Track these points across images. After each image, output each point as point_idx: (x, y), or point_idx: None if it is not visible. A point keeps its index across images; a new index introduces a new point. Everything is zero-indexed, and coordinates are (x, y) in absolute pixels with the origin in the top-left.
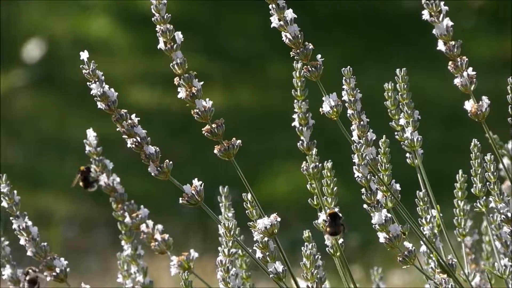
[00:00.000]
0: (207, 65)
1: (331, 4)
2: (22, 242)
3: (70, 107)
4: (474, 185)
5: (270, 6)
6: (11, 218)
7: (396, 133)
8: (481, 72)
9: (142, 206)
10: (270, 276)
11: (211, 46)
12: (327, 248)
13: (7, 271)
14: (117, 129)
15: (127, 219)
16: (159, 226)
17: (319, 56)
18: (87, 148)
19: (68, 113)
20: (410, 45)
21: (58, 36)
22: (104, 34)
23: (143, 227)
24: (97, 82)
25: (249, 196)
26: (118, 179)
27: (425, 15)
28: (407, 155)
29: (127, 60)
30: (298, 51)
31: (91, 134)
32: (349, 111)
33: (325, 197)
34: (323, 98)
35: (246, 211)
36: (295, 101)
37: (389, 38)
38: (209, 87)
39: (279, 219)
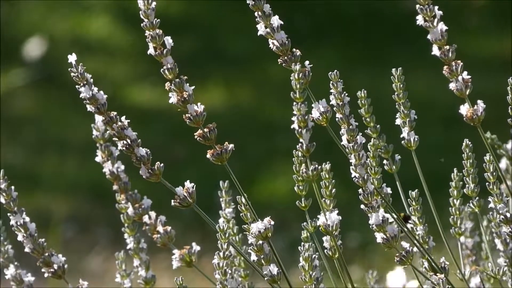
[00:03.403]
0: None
1: (330, 5)
2: (19, 238)
3: (70, 106)
4: (467, 185)
5: (256, 14)
6: (8, 214)
7: (372, 138)
8: (481, 72)
9: (145, 196)
10: (265, 279)
11: (211, 46)
12: (325, 250)
13: (10, 271)
14: (107, 132)
15: (130, 210)
16: (162, 218)
17: (307, 62)
18: (95, 132)
19: (68, 113)
20: (411, 45)
21: (58, 36)
22: (104, 34)
23: (145, 218)
24: (86, 85)
25: (243, 199)
26: (122, 167)
27: (419, 20)
28: (384, 162)
29: (127, 60)
30: (285, 58)
31: (99, 119)
32: (338, 115)
33: (323, 199)
34: (313, 105)
35: (241, 214)
36: (294, 103)
37: (389, 39)
38: (209, 87)
39: (272, 222)
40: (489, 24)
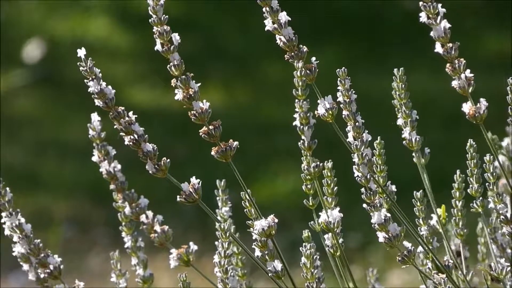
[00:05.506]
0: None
1: (331, 4)
2: (15, 239)
3: (70, 107)
4: (470, 185)
5: (264, 9)
6: (3, 214)
7: (402, 132)
8: (481, 72)
9: (142, 196)
10: (269, 275)
11: (211, 46)
12: (327, 248)
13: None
14: (115, 127)
15: (127, 209)
16: (159, 217)
17: (313, 58)
18: (91, 132)
19: (68, 113)
20: (411, 45)
21: (58, 37)
22: (104, 34)
23: (142, 217)
24: (95, 80)
25: (247, 195)
26: (119, 166)
27: (423, 17)
28: (413, 153)
29: (127, 61)
30: (292, 54)
31: (95, 118)
32: (344, 112)
33: (325, 197)
34: (318, 101)
35: (245, 210)
36: (296, 100)
37: (390, 38)
38: (209, 86)
39: (276, 220)
40: (488, 24)
